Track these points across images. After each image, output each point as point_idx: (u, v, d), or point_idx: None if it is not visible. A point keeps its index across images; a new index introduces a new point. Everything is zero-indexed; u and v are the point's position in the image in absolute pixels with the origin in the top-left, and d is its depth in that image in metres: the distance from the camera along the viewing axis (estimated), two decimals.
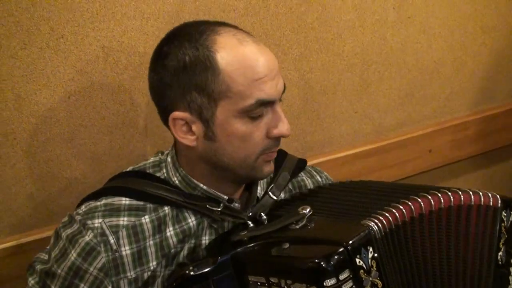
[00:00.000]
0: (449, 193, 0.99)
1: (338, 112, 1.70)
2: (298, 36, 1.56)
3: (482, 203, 1.01)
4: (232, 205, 1.07)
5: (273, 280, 0.88)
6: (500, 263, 1.02)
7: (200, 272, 0.92)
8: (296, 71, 1.58)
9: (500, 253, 1.02)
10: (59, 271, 1.02)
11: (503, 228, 1.02)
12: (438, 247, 0.97)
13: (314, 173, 1.29)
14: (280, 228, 0.95)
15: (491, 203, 1.01)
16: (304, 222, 0.95)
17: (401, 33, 1.74)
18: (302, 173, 1.25)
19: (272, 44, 1.51)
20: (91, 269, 1.00)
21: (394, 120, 1.81)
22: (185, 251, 1.05)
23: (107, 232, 1.01)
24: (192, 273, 0.92)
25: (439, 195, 0.98)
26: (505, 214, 1.02)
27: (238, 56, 0.97)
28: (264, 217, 1.02)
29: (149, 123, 1.40)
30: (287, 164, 1.21)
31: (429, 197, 0.97)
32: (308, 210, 0.95)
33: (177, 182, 1.07)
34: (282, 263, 0.89)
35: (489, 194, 1.02)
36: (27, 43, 1.23)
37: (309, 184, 1.25)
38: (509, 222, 1.03)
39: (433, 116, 1.89)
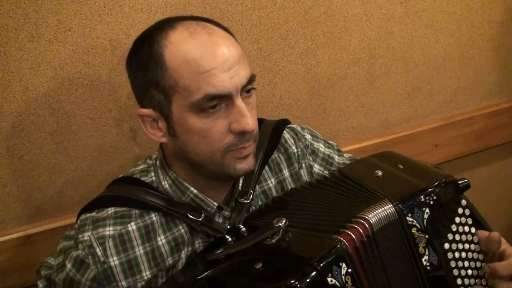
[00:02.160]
0: (356, 226, 0.92)
1: (344, 106, 1.70)
2: (305, 30, 1.56)
3: (369, 233, 0.94)
4: (221, 213, 1.06)
5: None
6: (429, 268, 0.96)
7: None
8: (302, 65, 1.58)
9: (426, 257, 0.96)
10: (57, 280, 1.03)
11: (416, 232, 0.96)
12: (387, 263, 0.94)
13: (290, 143, 1.22)
14: (256, 243, 0.93)
15: (369, 232, 0.93)
16: (279, 236, 0.92)
17: (408, 27, 1.73)
18: (276, 150, 1.20)
19: (279, 38, 1.52)
20: (83, 280, 1.00)
21: (400, 115, 1.81)
22: (182, 260, 1.04)
23: (95, 244, 0.99)
24: None
25: (356, 226, 0.93)
26: (411, 218, 0.96)
27: (183, 50, 0.94)
28: (243, 229, 1.00)
29: None
30: (262, 142, 1.15)
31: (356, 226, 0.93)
32: (283, 222, 0.92)
33: (167, 185, 1.05)
34: (255, 286, 0.87)
35: (362, 221, 0.94)
36: (35, 36, 1.23)
37: (282, 161, 1.20)
38: (424, 220, 0.96)
39: (440, 111, 1.89)
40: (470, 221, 1.01)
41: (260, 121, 1.16)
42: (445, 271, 0.97)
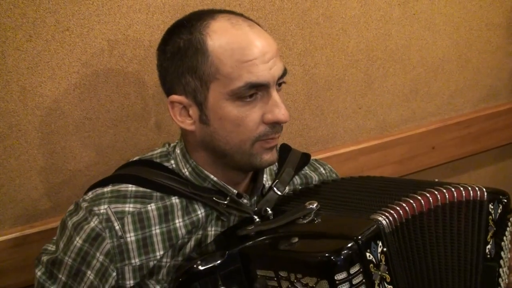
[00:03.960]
0: (444, 190, 0.99)
1: (342, 107, 1.70)
2: (303, 31, 1.56)
3: (471, 197, 1.01)
4: (240, 200, 1.07)
5: (282, 274, 0.88)
6: (488, 256, 1.02)
7: (208, 266, 0.91)
8: (300, 66, 1.58)
9: (489, 246, 1.02)
10: (66, 258, 1.02)
11: (490, 221, 1.02)
12: (436, 243, 0.98)
13: (318, 165, 1.29)
14: (287, 223, 0.95)
15: (478, 197, 1.02)
16: (311, 217, 0.94)
17: (406, 29, 1.73)
18: (306, 167, 1.25)
19: (277, 39, 1.51)
20: (98, 254, 1.00)
21: (398, 117, 1.81)
22: (192, 242, 1.05)
23: (113, 218, 1.01)
24: (200, 267, 0.91)
25: (436, 192, 0.98)
26: (492, 207, 1.03)
27: (228, 38, 0.97)
28: (270, 212, 1.01)
29: (153, 116, 1.40)
30: (291, 159, 1.20)
31: (427, 194, 0.98)
32: (315, 205, 0.95)
33: (187, 173, 1.07)
34: (292, 257, 0.89)
35: (476, 188, 1.02)
36: (33, 36, 1.23)
37: (314, 177, 1.25)
38: (497, 214, 1.03)
39: (437, 113, 1.89)
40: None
41: (288, 148, 1.24)
42: (497, 264, 1.04)
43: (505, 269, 1.06)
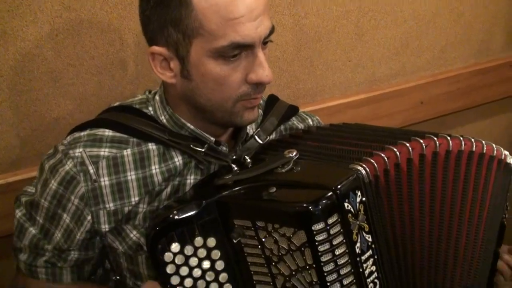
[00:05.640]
0: (435, 139, 0.97)
1: (332, 60, 1.67)
2: None
3: (494, 153, 1.01)
4: (219, 148, 1.06)
5: (259, 224, 0.87)
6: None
7: (184, 216, 0.90)
8: (290, 16, 1.55)
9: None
10: (43, 201, 1.02)
11: None
12: (420, 197, 0.95)
13: (306, 116, 1.27)
14: (266, 172, 0.93)
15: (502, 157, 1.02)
16: (290, 166, 0.92)
17: None
18: (293, 118, 1.24)
19: None
20: (73, 197, 1.00)
21: (387, 70, 1.79)
22: (168, 189, 1.04)
23: (87, 161, 1.00)
24: (176, 217, 0.90)
25: (435, 138, 0.96)
26: None
27: None
28: (249, 160, 0.99)
29: (139, 64, 1.37)
30: (277, 109, 1.18)
31: (421, 140, 0.96)
32: (294, 153, 0.92)
33: (164, 120, 1.05)
34: (270, 207, 0.88)
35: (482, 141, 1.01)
36: None
37: (301, 128, 1.23)
38: None
39: (427, 68, 1.88)
40: None
41: (275, 98, 1.21)
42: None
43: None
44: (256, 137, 1.10)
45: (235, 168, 0.97)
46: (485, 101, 2.00)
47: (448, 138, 0.98)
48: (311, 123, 1.26)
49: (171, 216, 0.90)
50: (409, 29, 1.78)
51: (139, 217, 1.03)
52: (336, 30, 1.64)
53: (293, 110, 1.23)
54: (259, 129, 1.11)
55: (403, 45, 1.79)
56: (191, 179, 1.06)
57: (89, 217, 1.01)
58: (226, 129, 1.09)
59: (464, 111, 1.98)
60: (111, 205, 1.01)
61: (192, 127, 1.04)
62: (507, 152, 1.04)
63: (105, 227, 1.02)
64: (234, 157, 1.06)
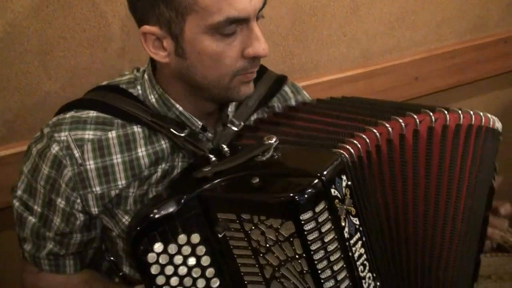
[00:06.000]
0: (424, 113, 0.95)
1: (327, 34, 1.65)
2: None
3: (490, 124, 0.99)
4: (204, 134, 1.04)
5: (244, 216, 0.85)
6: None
7: (165, 213, 0.87)
8: None
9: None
10: (39, 186, 1.02)
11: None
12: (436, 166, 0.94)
13: (300, 89, 1.24)
14: (246, 161, 0.90)
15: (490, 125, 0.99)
16: (270, 153, 0.89)
17: None
18: (286, 88, 1.20)
19: None
20: (61, 181, 1.00)
21: (383, 46, 1.78)
22: (158, 174, 1.03)
23: (72, 145, 0.99)
24: (156, 215, 0.87)
25: (431, 113, 0.94)
26: None
27: None
28: (226, 149, 0.97)
29: (131, 37, 1.35)
30: (261, 85, 1.14)
31: (415, 116, 0.94)
32: (274, 140, 0.89)
33: (153, 100, 1.03)
34: (254, 200, 0.85)
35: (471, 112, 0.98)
36: None
37: (292, 98, 1.19)
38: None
39: (423, 43, 1.86)
40: None
41: (263, 68, 1.16)
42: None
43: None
44: (229, 125, 1.06)
45: (213, 159, 0.95)
46: (481, 77, 1.99)
47: (446, 112, 0.95)
48: (306, 96, 1.24)
49: (151, 215, 0.87)
50: (404, 4, 1.76)
51: (129, 202, 1.02)
52: (331, 4, 1.62)
53: (278, 85, 1.19)
54: (232, 117, 1.08)
55: (398, 20, 1.77)
56: (179, 163, 1.04)
57: (78, 201, 1.01)
58: (219, 105, 1.07)
59: (459, 87, 1.97)
60: (97, 189, 1.00)
61: (180, 108, 1.02)
62: (494, 117, 1.02)
63: (94, 210, 1.01)
64: (212, 146, 1.03)
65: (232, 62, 0.95)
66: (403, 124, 0.93)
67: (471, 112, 0.98)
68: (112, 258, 1.12)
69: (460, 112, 0.97)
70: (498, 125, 1.03)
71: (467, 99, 2.05)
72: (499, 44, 1.98)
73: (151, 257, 0.87)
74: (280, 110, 1.17)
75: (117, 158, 1.01)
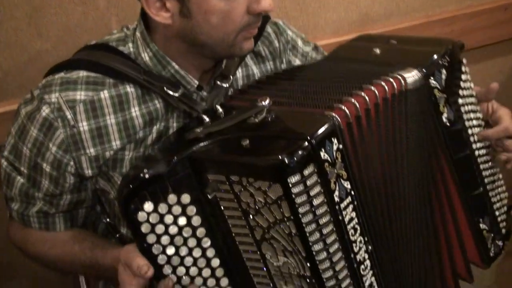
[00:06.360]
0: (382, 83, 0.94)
1: None
2: None
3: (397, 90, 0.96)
4: (200, 93, 1.03)
5: (233, 178, 0.85)
6: (448, 124, 1.01)
7: (155, 173, 0.87)
8: None
9: (445, 115, 1.01)
10: (25, 148, 1.01)
11: (437, 92, 1.00)
12: (392, 135, 0.96)
13: (284, 27, 1.21)
14: (238, 122, 0.90)
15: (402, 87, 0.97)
16: (263, 115, 0.89)
17: None
18: (269, 29, 1.17)
19: None
20: (51, 145, 0.98)
21: (381, 10, 1.75)
22: (153, 135, 1.02)
23: (64, 107, 0.97)
24: (147, 175, 0.86)
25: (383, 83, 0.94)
26: (434, 81, 0.99)
27: None
28: (220, 110, 0.96)
29: None
30: None
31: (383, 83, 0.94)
32: (267, 101, 0.88)
33: (147, 58, 1.01)
34: (243, 161, 0.85)
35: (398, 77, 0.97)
36: None
37: (267, 54, 1.17)
38: (442, 80, 1.01)
39: (421, 9, 1.84)
40: (469, 77, 1.10)
41: None
42: (461, 124, 1.04)
43: (472, 122, 1.07)
44: (218, 82, 1.05)
45: (207, 120, 0.94)
46: (479, 44, 1.97)
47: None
48: (290, 34, 1.21)
49: (141, 175, 0.87)
50: None
51: (125, 165, 1.01)
52: None
53: (260, 26, 1.12)
54: (218, 75, 1.06)
55: None
56: (174, 123, 1.03)
57: (71, 163, 1.00)
58: (214, 64, 1.05)
59: None
60: (91, 151, 0.99)
61: (176, 67, 1.01)
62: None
63: (88, 172, 1.00)
64: (206, 107, 1.02)
65: (238, 19, 0.94)
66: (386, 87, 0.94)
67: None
68: (108, 220, 1.12)
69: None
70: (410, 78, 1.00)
71: None
72: (498, 11, 1.95)
73: (142, 216, 0.87)
74: (266, 55, 1.16)
75: (110, 119, 0.99)
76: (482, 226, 1.07)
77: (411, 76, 0.97)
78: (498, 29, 1.98)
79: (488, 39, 1.98)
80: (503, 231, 1.13)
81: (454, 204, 1.04)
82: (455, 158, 1.03)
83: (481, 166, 1.08)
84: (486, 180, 1.09)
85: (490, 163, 1.10)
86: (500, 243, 1.11)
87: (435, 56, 1.01)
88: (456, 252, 1.06)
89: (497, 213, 1.12)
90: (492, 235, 1.09)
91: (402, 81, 0.95)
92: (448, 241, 1.05)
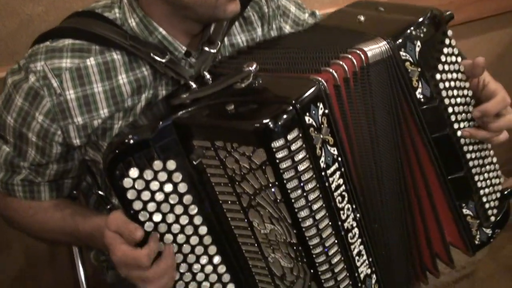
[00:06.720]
0: (342, 62, 0.91)
1: None
2: None
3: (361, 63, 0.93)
4: (188, 59, 1.02)
5: (218, 144, 0.84)
6: (422, 100, 0.97)
7: (140, 139, 0.86)
8: None
9: (419, 90, 0.97)
10: (9, 118, 1.00)
11: (409, 65, 0.96)
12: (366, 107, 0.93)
13: (263, 2, 1.17)
14: (225, 88, 0.89)
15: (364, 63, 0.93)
16: (250, 80, 0.87)
17: None
18: (249, 8, 1.15)
19: None
20: (37, 114, 0.97)
21: None
22: (142, 103, 1.01)
23: (49, 75, 0.96)
24: (131, 141, 0.85)
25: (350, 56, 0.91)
26: (404, 54, 0.95)
27: None
28: (208, 76, 0.95)
29: None
30: None
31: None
32: (254, 66, 0.87)
33: (134, 24, 1.00)
34: (227, 126, 0.84)
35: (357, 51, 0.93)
36: None
37: (256, 20, 1.15)
38: (416, 52, 0.96)
39: None
40: (456, 51, 1.03)
41: None
42: (438, 101, 0.99)
43: (456, 99, 1.01)
44: (206, 48, 1.03)
45: (194, 86, 0.94)
46: (480, 16, 1.95)
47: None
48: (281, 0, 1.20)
49: (126, 140, 0.86)
50: None
51: (115, 134, 1.00)
52: None
53: None
54: (205, 39, 1.05)
55: None
56: (163, 91, 1.02)
57: (59, 132, 0.99)
58: (201, 28, 1.04)
59: (456, 26, 1.92)
60: (79, 119, 0.98)
61: (164, 32, 1.00)
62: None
63: (76, 141, 1.00)
64: (193, 73, 1.01)
65: None
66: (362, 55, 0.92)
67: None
68: (99, 192, 1.11)
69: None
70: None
71: (464, 38, 2.02)
72: None
73: (127, 182, 0.86)
74: (255, 20, 1.15)
75: (97, 87, 0.98)
76: (465, 211, 1.04)
77: (376, 47, 0.93)
78: (497, 0, 1.95)
79: (489, 10, 1.96)
80: (492, 218, 1.09)
81: (430, 185, 1.02)
82: (432, 138, 0.99)
83: (465, 148, 1.03)
84: (471, 164, 1.04)
85: (478, 146, 1.05)
86: (488, 231, 1.08)
87: (409, 26, 0.96)
88: (433, 232, 1.04)
89: (484, 199, 1.08)
90: (478, 221, 1.06)
91: (363, 56, 0.91)
92: (423, 219, 1.03)
